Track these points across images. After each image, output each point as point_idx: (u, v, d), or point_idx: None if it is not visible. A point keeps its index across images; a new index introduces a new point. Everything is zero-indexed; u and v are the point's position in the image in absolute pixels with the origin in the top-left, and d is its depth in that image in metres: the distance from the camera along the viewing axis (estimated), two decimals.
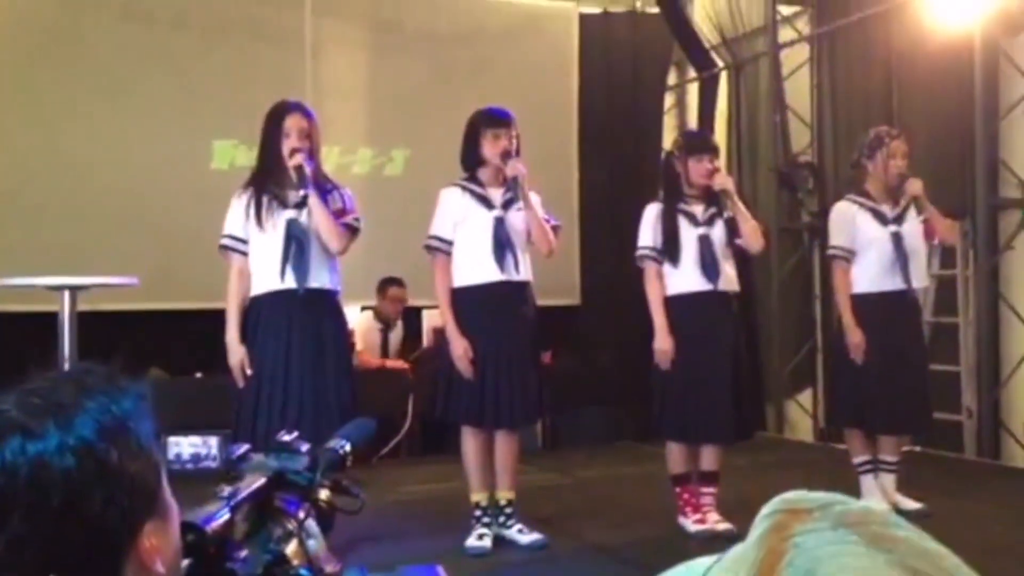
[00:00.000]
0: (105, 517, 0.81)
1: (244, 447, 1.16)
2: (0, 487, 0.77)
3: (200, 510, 0.99)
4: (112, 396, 0.85)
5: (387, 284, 6.26)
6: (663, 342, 4.06)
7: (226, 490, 1.06)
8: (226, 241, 3.73)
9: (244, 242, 3.69)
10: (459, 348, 3.88)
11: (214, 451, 1.12)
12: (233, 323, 3.67)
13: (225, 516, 1.00)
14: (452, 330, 3.92)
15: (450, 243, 3.98)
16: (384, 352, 6.38)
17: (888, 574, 0.56)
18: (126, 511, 0.82)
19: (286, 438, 1.20)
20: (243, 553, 1.01)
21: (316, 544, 1.13)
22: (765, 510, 0.62)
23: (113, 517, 0.81)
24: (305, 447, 1.20)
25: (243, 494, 1.06)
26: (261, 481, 1.11)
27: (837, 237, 4.39)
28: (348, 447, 1.27)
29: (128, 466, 0.83)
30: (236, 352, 3.63)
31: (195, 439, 1.11)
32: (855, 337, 4.24)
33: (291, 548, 1.09)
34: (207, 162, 6.47)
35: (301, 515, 1.13)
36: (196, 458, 1.10)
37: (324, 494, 1.18)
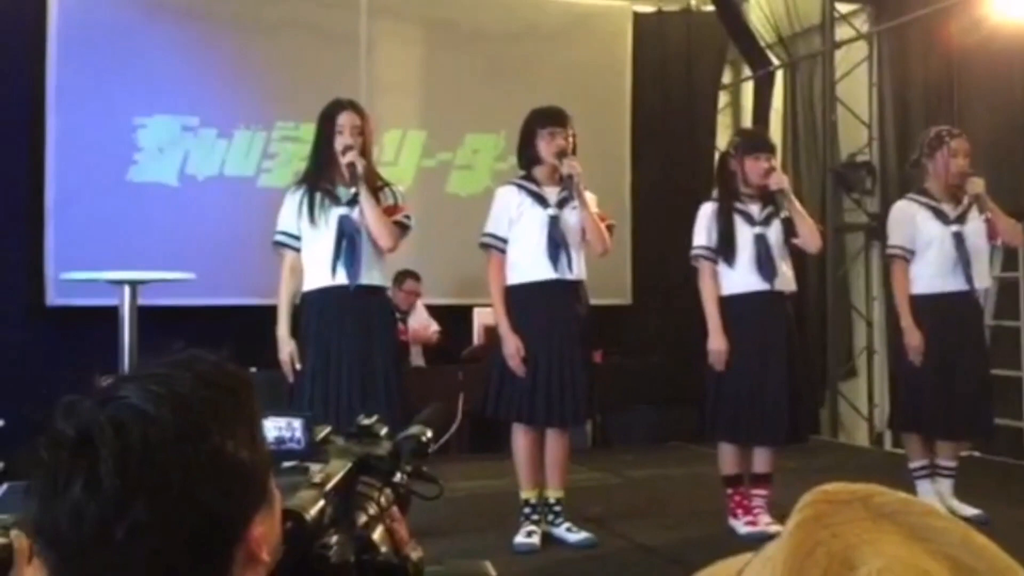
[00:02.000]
0: (221, 506, 0.81)
1: (326, 430, 1.16)
2: (124, 472, 0.78)
3: (297, 497, 0.99)
4: (225, 384, 0.86)
5: (404, 276, 6.28)
6: (717, 342, 4.03)
7: (317, 476, 1.06)
8: (279, 237, 3.78)
9: (297, 238, 3.74)
10: (511, 346, 3.89)
11: (298, 434, 1.12)
12: (284, 318, 3.72)
13: (321, 503, 1.00)
14: (505, 328, 3.93)
15: (505, 241, 3.99)
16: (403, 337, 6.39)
17: (926, 562, 0.56)
18: (241, 500, 0.83)
19: (366, 422, 1.20)
20: (334, 539, 1.00)
21: (400, 529, 1.13)
22: (804, 500, 0.62)
23: (229, 506, 0.82)
24: (384, 431, 1.20)
25: (335, 480, 1.06)
26: (349, 465, 1.10)
27: (897, 236, 4.32)
28: (430, 433, 1.26)
29: (243, 455, 0.83)
30: (286, 347, 3.68)
31: (279, 421, 1.11)
32: (913, 339, 4.16)
33: (377, 534, 1.08)
34: (263, 160, 6.57)
35: (383, 501, 1.12)
36: (279, 440, 1.11)
37: (404, 479, 1.17)
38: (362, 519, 1.08)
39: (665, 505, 4.74)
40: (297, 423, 1.13)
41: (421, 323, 6.52)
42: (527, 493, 3.98)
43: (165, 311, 5.39)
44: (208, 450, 0.81)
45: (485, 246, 4.04)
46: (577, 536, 3.94)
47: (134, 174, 6.31)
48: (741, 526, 4.04)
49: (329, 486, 1.04)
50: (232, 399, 0.85)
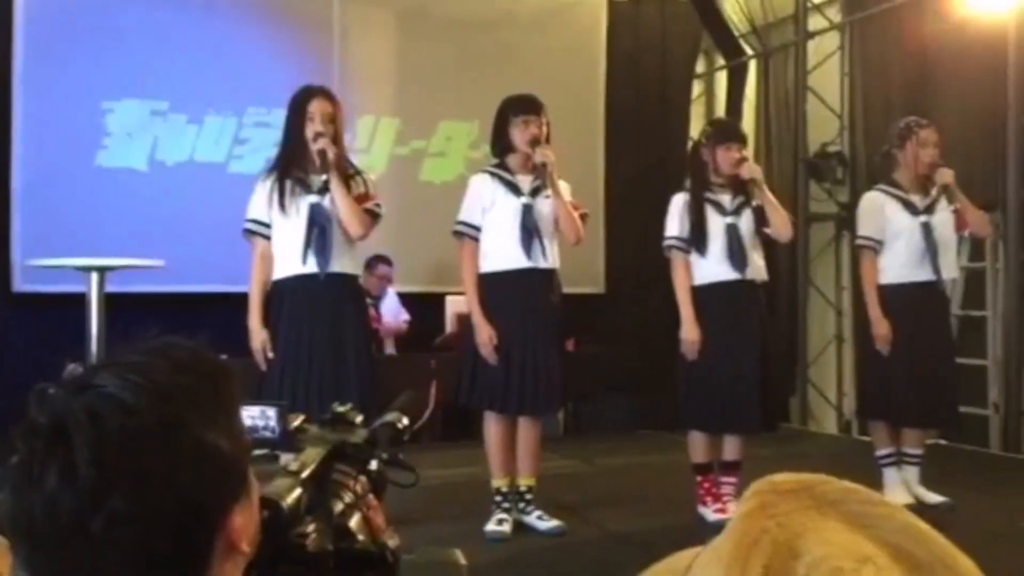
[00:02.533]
0: (201, 495, 0.80)
1: (300, 418, 1.15)
2: (103, 463, 0.76)
3: (273, 485, 0.98)
4: (204, 371, 0.84)
5: (375, 261, 6.29)
6: (690, 332, 4.05)
7: (293, 464, 1.04)
8: (249, 225, 3.76)
9: (267, 226, 3.71)
10: (484, 334, 3.89)
11: (272, 423, 1.11)
12: (255, 307, 3.69)
13: (297, 492, 0.99)
14: (478, 316, 3.93)
15: (478, 229, 3.98)
16: (377, 321, 6.39)
17: (868, 548, 0.57)
18: (220, 490, 0.82)
19: (340, 409, 1.19)
20: (311, 527, 0.99)
21: (376, 517, 1.13)
22: (750, 490, 0.63)
23: (208, 495, 0.81)
24: (360, 418, 1.19)
25: (310, 468, 1.05)
26: (324, 453, 1.09)
27: (866, 227, 4.35)
28: (406, 420, 1.26)
29: (223, 444, 0.82)
30: (258, 335, 3.66)
31: (253, 410, 1.09)
32: (881, 328, 4.20)
33: (354, 522, 1.07)
34: (234, 145, 6.52)
35: (359, 488, 1.11)
36: (253, 429, 1.09)
37: (379, 467, 1.16)
38: (339, 507, 1.07)
39: (636, 493, 4.77)
40: (271, 412, 1.12)
41: (391, 312, 6.52)
42: (499, 481, 3.99)
43: (134, 298, 5.35)
44: (187, 439, 0.80)
45: (458, 234, 4.03)
46: (548, 524, 3.95)
47: (103, 159, 6.24)
48: (711, 513, 4.07)
49: (305, 474, 1.03)
50: (210, 387, 0.84)
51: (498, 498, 3.99)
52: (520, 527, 3.96)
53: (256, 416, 1.10)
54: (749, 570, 0.57)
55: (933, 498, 4.24)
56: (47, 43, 6.06)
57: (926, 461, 4.37)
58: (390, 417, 1.25)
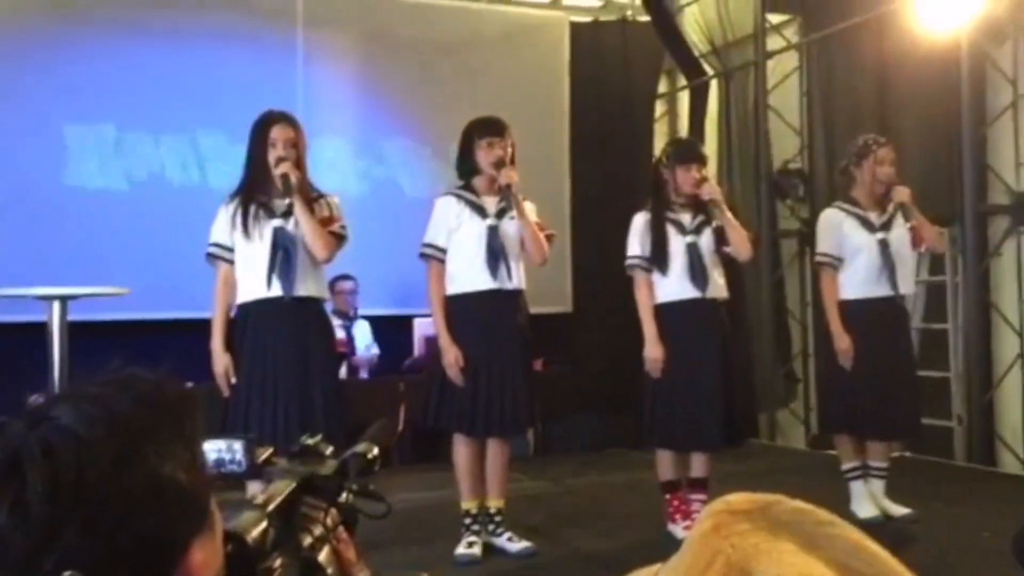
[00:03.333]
0: (159, 531, 0.78)
1: (268, 451, 1.14)
2: (55, 500, 0.75)
3: (238, 519, 0.97)
4: (165, 404, 0.83)
5: (337, 279, 6.30)
6: (653, 350, 4.08)
7: (259, 497, 1.04)
8: (212, 250, 3.74)
9: (230, 250, 3.70)
10: (451, 356, 3.89)
11: (239, 456, 1.10)
12: (218, 331, 3.67)
13: (263, 525, 0.98)
14: (444, 338, 3.93)
15: (444, 251, 3.99)
16: (350, 346, 6.39)
17: (820, 570, 0.58)
18: (178, 524, 0.80)
19: (309, 441, 1.18)
20: (278, 562, 0.99)
21: (347, 550, 1.12)
22: (706, 511, 0.64)
23: (167, 531, 0.79)
24: (330, 450, 1.19)
25: (277, 501, 1.04)
26: (292, 486, 1.09)
27: (824, 244, 4.41)
28: (376, 451, 1.25)
29: (181, 477, 0.80)
30: (220, 360, 3.64)
31: (219, 443, 1.08)
32: (842, 343, 4.25)
33: (323, 555, 1.07)
34: (199, 170, 6.50)
35: (329, 521, 1.11)
36: (219, 463, 1.08)
37: (350, 498, 1.17)
38: (307, 541, 1.07)
39: (605, 512, 4.78)
40: (238, 445, 1.10)
41: (366, 343, 6.52)
42: (468, 504, 3.99)
43: (99, 326, 5.29)
44: (143, 473, 0.78)
45: (424, 256, 4.04)
46: (518, 546, 3.95)
47: (65, 184, 6.20)
48: (680, 531, 4.09)
49: (271, 507, 1.03)
50: (172, 420, 0.82)
51: (467, 520, 3.98)
52: (490, 549, 3.96)
53: (223, 449, 1.09)
54: None
55: (898, 510, 4.28)
56: (7, 67, 6.02)
57: (892, 474, 4.42)
58: (360, 448, 1.24)
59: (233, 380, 3.62)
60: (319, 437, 1.18)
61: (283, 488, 1.08)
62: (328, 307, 3.73)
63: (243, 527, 0.96)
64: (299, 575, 1.02)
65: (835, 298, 4.33)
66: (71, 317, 4.27)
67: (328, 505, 1.12)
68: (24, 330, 5.06)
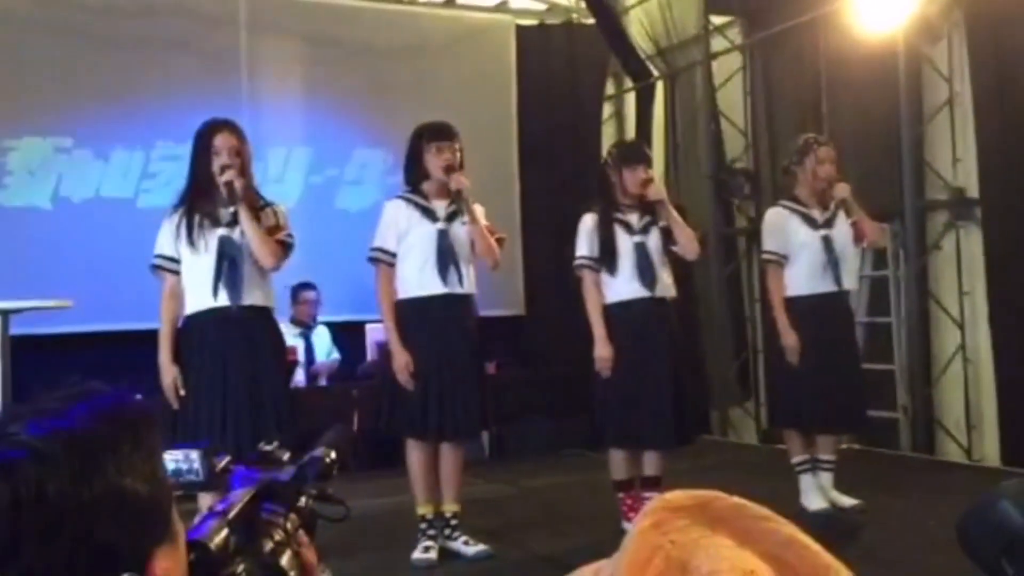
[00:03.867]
0: (120, 544, 0.79)
1: (225, 459, 1.14)
2: (15, 516, 0.75)
3: (199, 527, 0.98)
4: (123, 417, 0.83)
5: (299, 289, 6.29)
6: (602, 349, 4.11)
7: (219, 505, 1.04)
8: (157, 261, 3.70)
9: (175, 261, 3.66)
10: (401, 360, 3.89)
11: (196, 465, 1.11)
12: (165, 343, 3.63)
13: (224, 532, 0.99)
14: (395, 342, 3.93)
15: (393, 255, 3.99)
16: (309, 355, 6.37)
17: (754, 563, 0.60)
18: (140, 536, 0.81)
19: (267, 448, 1.19)
20: (240, 568, 1.00)
21: (308, 554, 1.13)
22: (646, 508, 0.66)
23: (128, 543, 0.79)
24: (287, 456, 1.19)
25: (237, 508, 1.05)
26: (251, 493, 1.10)
27: (770, 242, 4.49)
28: (333, 455, 1.26)
29: (142, 491, 0.81)
30: (168, 372, 3.60)
31: (176, 453, 1.09)
32: (789, 339, 4.32)
33: (285, 560, 1.08)
34: (142, 180, 6.42)
35: (289, 526, 1.11)
36: (177, 473, 1.09)
37: (309, 503, 1.17)
38: (268, 546, 1.08)
39: (561, 513, 4.80)
40: (195, 454, 1.11)
41: (323, 351, 6.49)
42: (423, 508, 3.99)
43: (43, 339, 5.20)
44: (104, 488, 0.78)
45: (373, 260, 4.03)
46: (474, 549, 3.96)
47: (4, 199, 6.08)
48: None
49: (232, 515, 1.03)
50: (131, 433, 0.83)
51: (423, 525, 3.98)
52: (446, 553, 3.96)
53: (180, 459, 1.10)
54: None
55: (847, 501, 4.37)
56: None
57: (839, 465, 4.50)
58: (318, 453, 1.26)
59: (182, 392, 3.58)
60: (276, 443, 1.20)
61: (242, 495, 1.09)
62: (286, 316, 3.72)
63: (206, 536, 0.97)
64: None
65: (781, 295, 4.40)
66: (13, 331, 4.20)
67: (288, 510, 1.13)
68: None
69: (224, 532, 0.99)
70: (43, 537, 0.76)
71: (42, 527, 0.76)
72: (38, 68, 6.11)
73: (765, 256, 4.52)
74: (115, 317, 5.83)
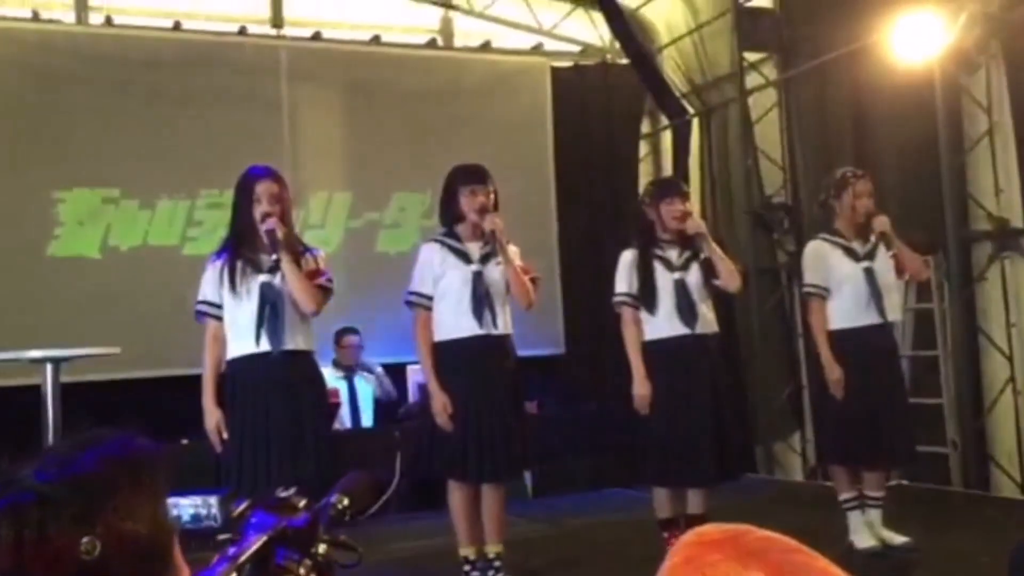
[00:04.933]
0: None
1: (243, 505, 1.18)
2: (16, 557, 0.79)
3: (208, 570, 1.01)
4: (128, 461, 0.87)
5: (342, 334, 6.36)
6: (641, 387, 4.10)
7: (230, 549, 1.07)
8: (201, 307, 3.76)
9: (218, 307, 3.72)
10: (439, 403, 3.91)
11: (214, 510, 1.14)
12: (209, 387, 3.68)
13: None
14: (433, 385, 3.95)
15: (430, 299, 4.02)
16: (353, 398, 6.40)
17: None
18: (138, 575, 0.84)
19: (283, 494, 1.21)
20: None
21: None
22: (678, 544, 0.66)
23: None
24: (303, 502, 1.21)
25: (248, 553, 1.07)
26: (264, 539, 1.12)
27: (811, 275, 4.46)
28: (347, 501, 1.28)
29: (142, 532, 0.84)
30: (212, 416, 3.64)
31: (195, 499, 1.13)
32: (834, 373, 4.28)
33: None
34: (188, 228, 6.55)
35: (303, 572, 1.14)
36: (197, 518, 1.12)
37: (324, 549, 1.19)
38: None
39: (604, 552, 4.76)
40: (213, 500, 1.15)
41: (384, 391, 6.53)
42: (466, 550, 3.98)
43: (92, 386, 5.29)
44: (104, 529, 0.82)
45: (410, 304, 4.06)
46: None
47: (56, 249, 6.23)
48: None
49: (242, 559, 1.06)
50: (133, 477, 0.87)
51: (467, 567, 3.97)
52: None
53: (199, 505, 1.13)
54: None
55: (897, 539, 4.28)
56: None
57: (889, 502, 4.42)
58: (331, 499, 1.28)
59: (224, 435, 3.62)
60: (293, 490, 1.22)
61: (255, 540, 1.11)
62: (328, 360, 3.75)
63: None
64: None
65: (824, 328, 4.36)
66: (64, 379, 4.28)
67: (302, 556, 1.15)
68: (19, 393, 5.06)
69: None
70: (45, 573, 0.80)
71: (44, 564, 0.80)
72: (85, 121, 6.26)
73: (806, 289, 4.49)
74: (161, 363, 5.93)
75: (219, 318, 3.72)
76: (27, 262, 6.10)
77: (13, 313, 5.87)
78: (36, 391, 4.31)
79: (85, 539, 0.81)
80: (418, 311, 4.04)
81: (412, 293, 4.05)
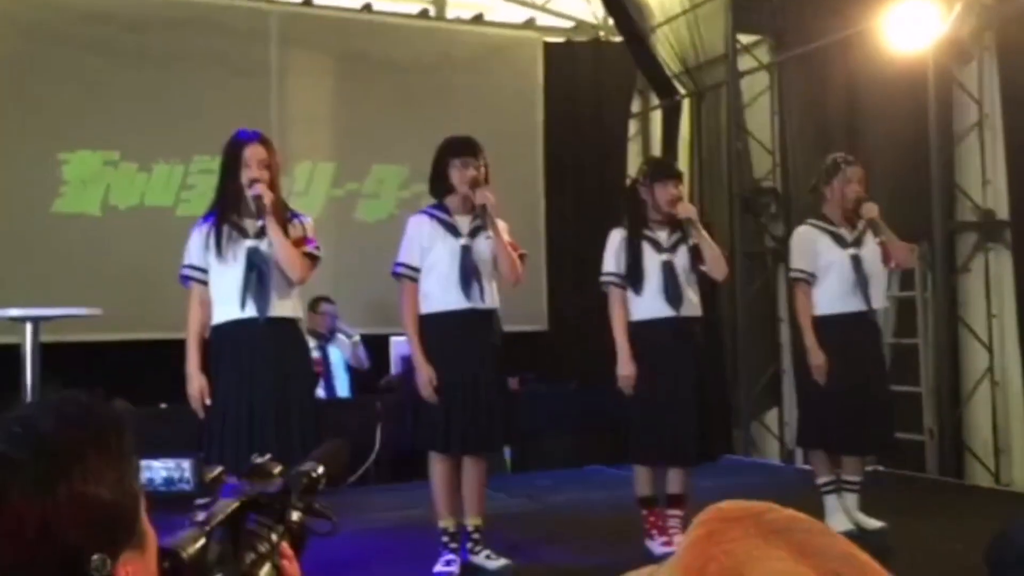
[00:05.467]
0: (83, 548, 0.81)
1: (217, 469, 1.16)
2: None
3: (176, 535, 0.99)
4: (93, 425, 0.85)
5: (316, 301, 6.33)
6: (625, 367, 4.10)
7: (200, 514, 1.06)
8: (186, 271, 3.73)
9: (204, 271, 3.69)
10: (424, 375, 3.90)
11: (187, 474, 1.12)
12: (193, 353, 3.66)
13: (201, 542, 1.01)
14: (418, 357, 3.94)
15: (417, 270, 4.00)
16: (327, 367, 6.38)
17: None
18: (103, 541, 0.83)
19: (259, 460, 1.20)
20: None
21: (289, 567, 1.14)
22: (699, 518, 0.65)
23: (91, 547, 0.82)
24: (277, 469, 1.20)
25: (218, 518, 1.06)
26: (235, 504, 1.11)
27: (798, 260, 4.47)
28: (321, 469, 1.27)
29: (105, 496, 0.83)
30: (195, 381, 3.62)
31: (168, 462, 1.11)
32: (817, 359, 4.30)
33: (264, 571, 1.09)
34: (181, 191, 6.53)
35: (274, 538, 1.13)
36: (169, 481, 1.10)
37: (297, 516, 1.18)
38: (250, 557, 1.09)
39: (583, 529, 4.78)
40: (186, 463, 1.13)
41: (355, 357, 6.51)
42: (445, 522, 3.98)
43: (74, 347, 5.25)
44: (67, 493, 0.81)
45: (397, 276, 4.04)
46: (496, 564, 3.94)
47: (60, 206, 6.28)
48: (657, 547, 4.10)
49: (211, 525, 1.05)
50: (98, 440, 0.85)
51: (445, 539, 3.98)
52: (468, 567, 3.95)
53: (172, 468, 1.11)
54: None
55: (872, 524, 4.32)
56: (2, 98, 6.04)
57: (865, 487, 4.46)
58: (305, 467, 1.26)
59: (207, 401, 3.60)
60: (268, 456, 1.21)
61: (225, 506, 1.10)
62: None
63: (180, 544, 0.98)
64: None
65: (809, 314, 4.38)
66: (44, 338, 4.24)
67: (274, 523, 1.14)
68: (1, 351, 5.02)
69: (201, 541, 1.01)
70: (8, 537, 0.78)
71: (6, 528, 0.78)
72: (87, 86, 6.29)
73: (793, 274, 4.50)
74: (148, 326, 5.92)
75: (204, 282, 3.69)
76: (32, 221, 6.15)
77: (19, 266, 5.91)
78: (16, 350, 4.27)
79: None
80: (404, 282, 4.02)
81: (399, 264, 4.03)
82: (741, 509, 0.66)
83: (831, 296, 4.36)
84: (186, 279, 3.73)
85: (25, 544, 0.79)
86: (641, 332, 4.13)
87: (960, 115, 5.80)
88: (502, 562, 3.95)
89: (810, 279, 4.41)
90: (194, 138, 6.35)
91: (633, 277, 4.14)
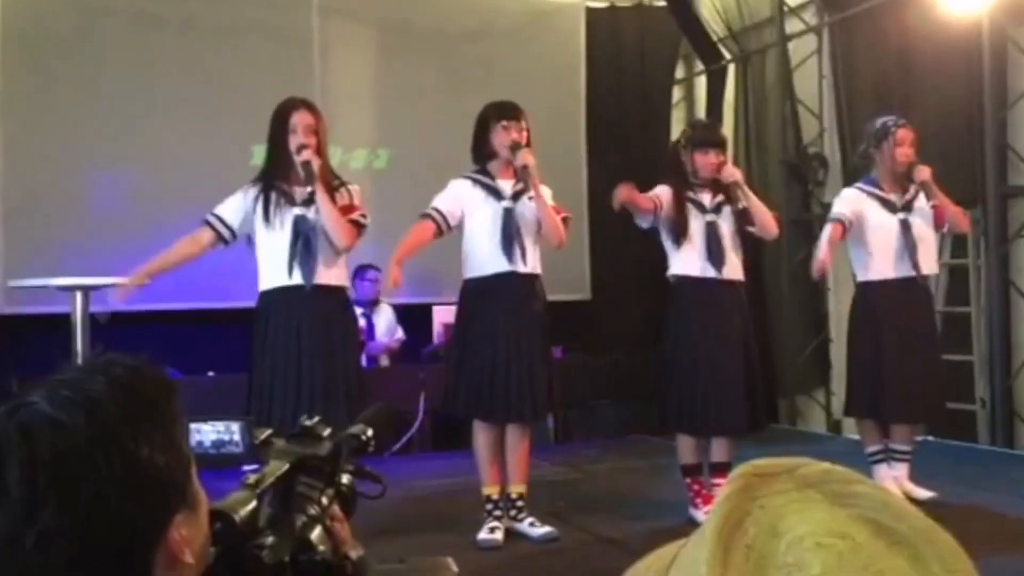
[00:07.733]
0: (135, 510, 0.81)
1: (267, 432, 1.17)
2: (32, 481, 0.78)
3: (227, 498, 1.00)
4: (141, 388, 0.85)
5: (361, 268, 6.32)
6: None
7: (251, 477, 1.06)
8: (211, 219, 3.76)
9: (229, 229, 3.72)
10: (392, 275, 3.83)
11: (236, 437, 1.12)
12: (158, 261, 3.74)
13: (252, 504, 1.01)
14: (394, 258, 3.87)
15: (442, 215, 3.96)
16: (370, 334, 6.41)
17: (848, 527, 0.58)
18: (156, 504, 0.83)
19: (308, 423, 1.20)
20: (269, 540, 1.01)
21: (341, 529, 1.14)
22: (733, 474, 0.64)
23: (144, 510, 0.82)
24: (327, 432, 1.20)
25: (269, 481, 1.07)
26: (285, 467, 1.11)
27: (840, 207, 4.37)
28: (370, 432, 1.27)
29: (157, 459, 0.83)
30: (134, 276, 3.70)
31: (218, 425, 1.11)
32: (821, 254, 4.20)
33: (316, 534, 1.09)
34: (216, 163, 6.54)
35: (324, 501, 1.13)
36: (218, 444, 1.11)
37: (347, 479, 1.18)
38: (301, 520, 1.09)
39: (626, 498, 4.78)
40: (236, 426, 1.13)
41: (387, 330, 6.52)
42: (489, 489, 4.00)
43: (123, 317, 5.32)
44: (119, 456, 0.81)
45: (424, 215, 4.01)
46: (540, 531, 3.95)
47: (88, 173, 6.25)
48: (701, 515, 4.08)
49: (262, 487, 1.05)
50: (147, 403, 0.85)
51: (489, 506, 3.99)
52: (512, 534, 3.97)
53: (221, 431, 1.11)
54: (732, 550, 0.58)
55: (922, 493, 4.26)
56: (29, 64, 6.09)
57: (915, 457, 4.40)
58: (354, 429, 1.26)
59: (126, 281, 3.66)
60: (317, 419, 1.20)
61: (276, 468, 1.10)
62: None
63: (230, 506, 0.98)
64: (290, 553, 1.04)
65: (833, 242, 4.24)
66: (95, 308, 4.30)
67: (324, 485, 1.14)
68: (49, 322, 5.10)
69: (252, 504, 1.00)
70: (60, 502, 0.78)
71: (58, 492, 0.78)
72: (117, 52, 6.29)
73: (831, 216, 4.38)
74: (194, 295, 5.95)
75: (221, 237, 3.72)
76: (64, 190, 6.14)
77: (46, 241, 5.94)
78: (67, 320, 4.34)
79: None
80: (424, 218, 3.99)
81: (431, 208, 4.00)
82: (775, 464, 0.64)
83: (879, 261, 4.29)
84: (206, 222, 3.75)
85: (78, 510, 0.79)
86: (686, 287, 4.09)
87: (1015, 76, 5.64)
88: (546, 529, 3.96)
89: (846, 222, 4.29)
90: (230, 107, 6.36)
91: (676, 231, 4.10)
